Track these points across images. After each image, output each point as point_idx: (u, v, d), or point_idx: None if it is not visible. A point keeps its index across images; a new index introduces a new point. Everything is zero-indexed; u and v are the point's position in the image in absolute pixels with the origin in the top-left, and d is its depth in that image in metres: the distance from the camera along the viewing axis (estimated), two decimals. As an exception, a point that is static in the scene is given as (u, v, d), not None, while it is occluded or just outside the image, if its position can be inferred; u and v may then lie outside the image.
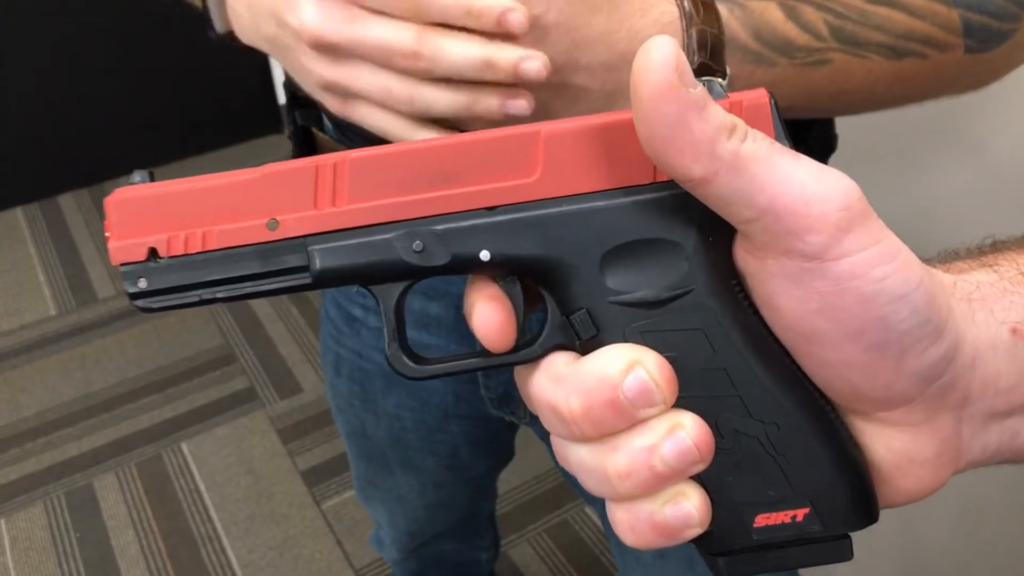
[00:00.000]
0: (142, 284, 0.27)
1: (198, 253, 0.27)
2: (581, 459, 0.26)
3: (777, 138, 0.26)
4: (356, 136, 0.59)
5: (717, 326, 0.26)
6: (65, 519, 1.57)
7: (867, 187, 0.26)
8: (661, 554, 0.69)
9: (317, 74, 0.41)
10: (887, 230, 0.24)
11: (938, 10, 0.42)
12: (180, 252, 0.27)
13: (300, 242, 0.27)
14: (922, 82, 0.45)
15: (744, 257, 0.26)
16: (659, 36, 0.23)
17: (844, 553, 0.27)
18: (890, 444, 0.26)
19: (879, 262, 0.24)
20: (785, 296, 0.25)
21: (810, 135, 0.57)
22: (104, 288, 2.13)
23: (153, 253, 0.27)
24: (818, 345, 0.25)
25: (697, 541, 0.27)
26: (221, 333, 1.98)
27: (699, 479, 0.26)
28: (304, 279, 0.27)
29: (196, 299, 0.28)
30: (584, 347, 0.27)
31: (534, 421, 0.68)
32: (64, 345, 1.97)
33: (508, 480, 1.59)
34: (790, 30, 0.41)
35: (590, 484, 0.27)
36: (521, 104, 0.39)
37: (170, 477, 1.65)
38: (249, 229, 0.27)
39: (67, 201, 2.46)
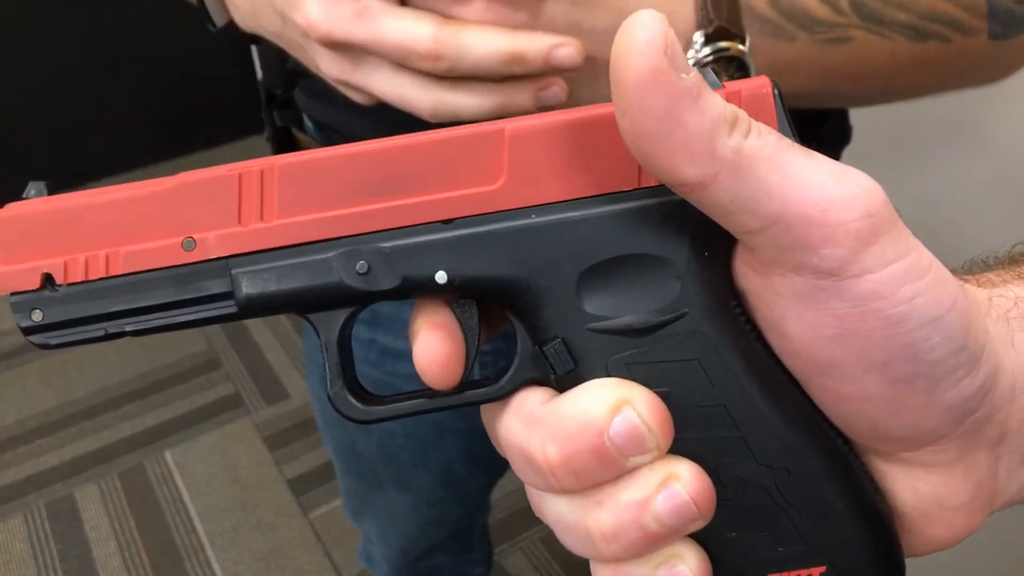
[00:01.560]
0: (36, 317, 0.23)
1: (101, 279, 0.23)
2: (559, 514, 0.23)
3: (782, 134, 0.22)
4: (338, 135, 0.56)
5: (715, 356, 0.23)
6: (45, 530, 1.53)
7: (881, 182, 0.22)
8: None
9: (331, 74, 0.38)
10: (915, 240, 0.21)
11: None
12: (80, 279, 0.23)
13: (223, 264, 0.23)
14: (944, 68, 0.42)
15: (746, 274, 0.22)
16: (644, 11, 0.19)
17: None
18: (917, 488, 0.23)
19: (907, 279, 0.20)
20: (795, 320, 0.21)
21: (824, 126, 0.54)
22: (85, 293, 2.10)
23: (49, 280, 0.23)
24: (834, 377, 0.21)
25: None
26: (205, 338, 1.94)
27: (697, 537, 0.23)
28: (229, 308, 0.23)
29: (101, 333, 0.24)
30: (560, 382, 0.23)
31: None
32: (44, 352, 1.92)
33: (501, 486, 1.55)
34: (809, 2, 0.38)
35: (570, 543, 0.23)
36: (555, 92, 0.36)
37: (153, 487, 1.61)
38: (161, 250, 0.23)
39: (48, 204, 2.42)
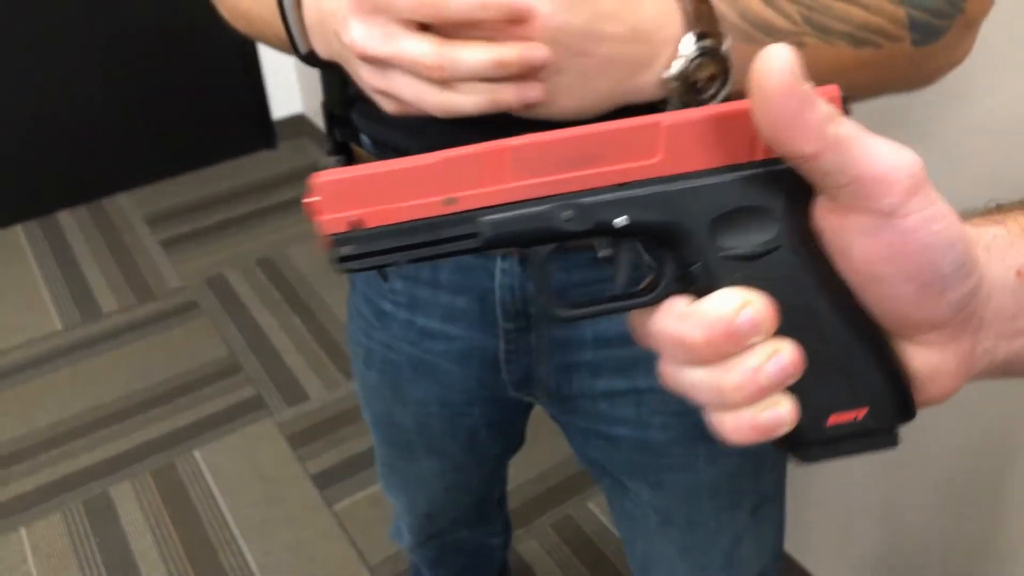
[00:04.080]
0: (345, 251, 0.32)
1: (390, 225, 0.33)
2: (696, 379, 0.33)
3: None
4: (391, 150, 0.66)
5: (801, 272, 0.33)
6: (84, 526, 1.62)
7: None
8: (665, 519, 0.77)
9: (368, 82, 0.49)
10: (937, 193, 0.31)
11: (887, 7, 0.50)
12: (376, 224, 0.32)
13: (472, 215, 0.33)
14: (878, 71, 0.52)
15: (825, 216, 0.33)
16: (776, 44, 0.29)
17: (892, 442, 0.35)
18: (925, 359, 0.34)
19: (935, 219, 0.30)
20: (860, 247, 0.31)
21: None
22: (108, 302, 2.18)
23: (354, 225, 0.32)
24: (880, 284, 0.32)
25: (783, 437, 0.34)
26: (225, 344, 2.03)
27: (789, 389, 0.33)
28: (475, 244, 0.33)
29: (391, 262, 0.33)
30: (699, 292, 0.34)
31: (550, 402, 0.74)
32: (72, 359, 2.01)
33: (514, 478, 1.65)
34: (769, 14, 0.48)
35: (702, 398, 0.33)
36: (533, 93, 0.47)
37: (184, 484, 1.70)
38: (431, 205, 0.33)
39: (66, 218, 2.50)
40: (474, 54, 0.45)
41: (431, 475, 0.88)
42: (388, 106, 0.51)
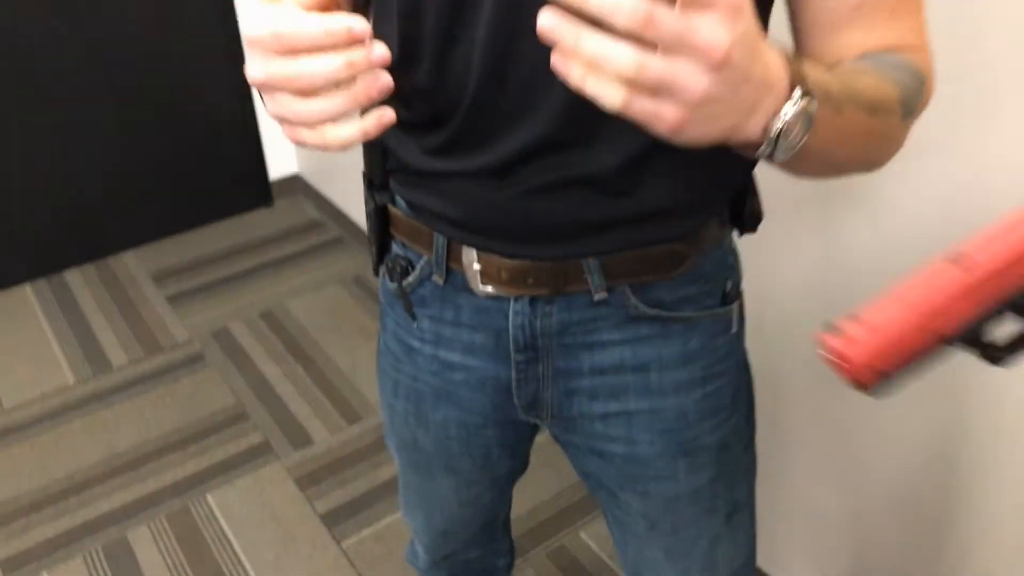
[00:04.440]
0: (879, 391, 0.45)
1: (906, 366, 0.43)
2: None
3: None
4: (424, 211, 0.78)
5: None
6: (104, 569, 1.71)
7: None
8: (652, 525, 0.89)
9: (269, 111, 0.56)
10: None
11: (890, 89, 0.61)
12: (897, 370, 0.42)
13: (949, 332, 0.43)
14: (879, 139, 0.63)
15: None
16: None
17: None
18: None
19: None
20: None
21: (744, 210, 0.79)
22: (117, 357, 2.29)
23: (885, 376, 0.43)
24: None
25: None
26: (232, 394, 2.14)
27: None
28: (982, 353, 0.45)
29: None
30: None
31: (553, 423, 0.86)
32: (85, 411, 2.11)
33: (512, 510, 1.77)
34: (829, 81, 0.56)
35: None
36: (384, 83, 0.53)
37: (199, 527, 1.80)
38: (929, 341, 0.43)
39: (73, 276, 2.61)
40: (322, 62, 0.52)
41: (448, 491, 1.00)
42: (288, 133, 0.56)
